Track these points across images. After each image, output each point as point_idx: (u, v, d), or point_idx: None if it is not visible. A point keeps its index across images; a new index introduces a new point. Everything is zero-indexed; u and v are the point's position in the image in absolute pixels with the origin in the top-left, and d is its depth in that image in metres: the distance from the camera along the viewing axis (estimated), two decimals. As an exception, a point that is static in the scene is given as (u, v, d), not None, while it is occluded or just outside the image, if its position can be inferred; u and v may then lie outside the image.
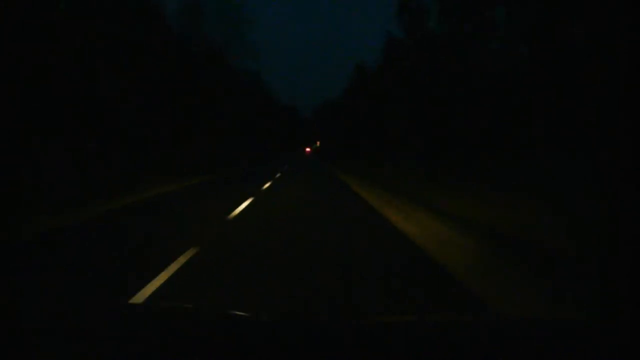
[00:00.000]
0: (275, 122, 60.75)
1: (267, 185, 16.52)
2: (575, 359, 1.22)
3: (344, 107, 48.54)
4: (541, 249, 5.55)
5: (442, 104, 18.95)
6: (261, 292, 4.06)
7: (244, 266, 5.00)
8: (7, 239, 7.08)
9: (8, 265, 5.38)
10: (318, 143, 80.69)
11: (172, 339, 1.31)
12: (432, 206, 9.96)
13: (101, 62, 15.57)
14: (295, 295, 3.99)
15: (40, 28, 12.67)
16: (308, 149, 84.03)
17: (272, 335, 1.34)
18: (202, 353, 1.20)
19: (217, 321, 1.53)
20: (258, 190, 14.32)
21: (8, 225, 8.00)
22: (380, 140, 30.59)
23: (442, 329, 1.48)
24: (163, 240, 6.50)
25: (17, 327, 1.38)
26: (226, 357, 1.20)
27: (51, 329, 1.37)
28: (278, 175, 22.98)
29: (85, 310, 1.64)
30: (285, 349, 1.22)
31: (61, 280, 4.59)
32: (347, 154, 41.06)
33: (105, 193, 12.31)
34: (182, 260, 5.19)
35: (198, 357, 1.18)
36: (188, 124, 24.82)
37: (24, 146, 12.08)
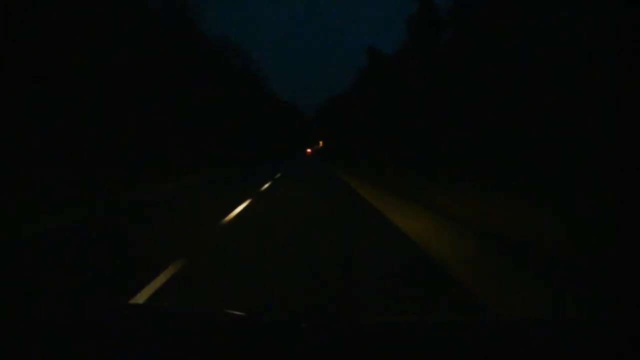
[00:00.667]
0: (275, 122, 60.70)
1: (266, 185, 16.52)
2: (575, 359, 1.22)
3: (345, 106, 47.95)
4: (541, 249, 5.54)
5: (443, 104, 18.90)
6: (261, 292, 4.06)
7: (243, 266, 5.01)
8: (7, 238, 7.08)
9: (8, 265, 5.38)
10: (321, 143, 79.32)
11: (172, 339, 1.31)
12: (432, 206, 9.96)
13: (101, 62, 15.57)
14: (295, 295, 3.99)
15: (41, 28, 12.67)
16: (309, 150, 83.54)
17: (272, 335, 1.34)
18: (202, 353, 1.20)
19: (217, 321, 1.53)
20: (257, 190, 14.32)
21: (8, 225, 8.00)
22: (381, 140, 30.44)
23: (442, 329, 1.48)
24: (163, 240, 6.50)
25: (17, 327, 1.38)
26: (226, 357, 1.20)
27: (51, 329, 1.37)
28: (278, 175, 22.97)
29: (85, 310, 1.64)
30: (285, 349, 1.22)
31: (61, 280, 4.59)
32: (349, 153, 40.74)
33: (105, 193, 12.31)
34: (181, 261, 5.20)
35: (198, 357, 1.18)
36: (188, 124, 24.83)
37: (24, 146, 12.08)
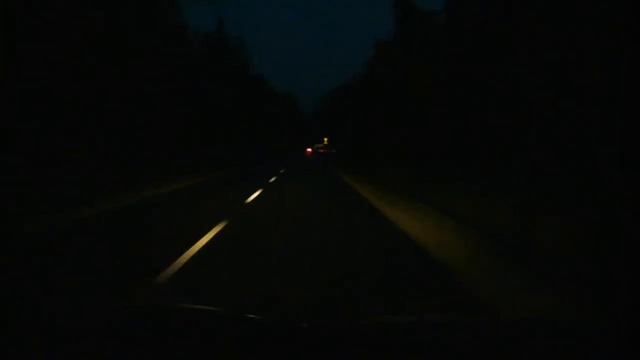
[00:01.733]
0: (274, 122, 60.63)
1: (268, 182, 16.53)
2: (575, 359, 1.22)
3: (347, 104, 46.12)
4: (541, 249, 5.54)
5: (443, 104, 18.84)
6: (261, 292, 4.06)
7: (243, 265, 5.01)
8: (7, 238, 7.07)
9: (8, 265, 5.37)
10: (325, 140, 76.74)
11: (172, 339, 1.31)
12: (432, 206, 9.96)
13: (101, 62, 15.57)
14: (296, 296, 3.99)
15: (41, 28, 12.67)
16: (309, 149, 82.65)
17: (272, 336, 1.34)
18: (202, 353, 1.20)
19: (217, 321, 1.52)
20: (256, 190, 14.33)
21: (8, 224, 8.00)
22: (384, 140, 30.06)
23: (442, 329, 1.48)
24: (163, 240, 6.50)
25: (17, 327, 1.38)
26: (226, 357, 1.20)
27: (51, 329, 1.37)
28: (278, 175, 22.96)
29: (85, 310, 1.64)
30: (286, 349, 1.22)
31: (61, 280, 4.58)
32: (352, 153, 39.60)
33: (105, 192, 12.30)
34: (181, 260, 5.20)
35: (198, 357, 1.18)
36: (188, 125, 24.83)
37: (24, 146, 12.08)
